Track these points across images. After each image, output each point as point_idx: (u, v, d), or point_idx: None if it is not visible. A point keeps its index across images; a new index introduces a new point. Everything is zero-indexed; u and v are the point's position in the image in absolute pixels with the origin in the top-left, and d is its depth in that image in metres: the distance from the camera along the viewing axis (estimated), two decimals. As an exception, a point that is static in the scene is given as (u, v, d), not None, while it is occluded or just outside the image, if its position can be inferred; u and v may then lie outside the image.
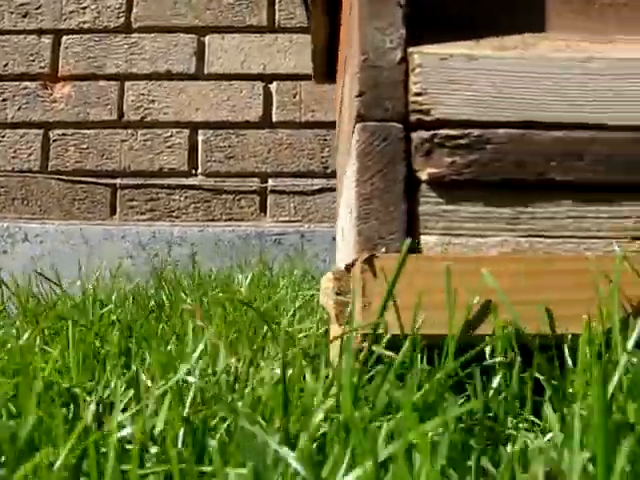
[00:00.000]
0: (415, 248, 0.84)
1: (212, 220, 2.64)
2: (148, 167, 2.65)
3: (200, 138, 2.66)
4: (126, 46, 2.69)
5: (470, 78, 0.86)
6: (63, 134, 2.65)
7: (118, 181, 2.64)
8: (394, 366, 0.61)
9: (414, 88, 0.86)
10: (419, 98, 0.85)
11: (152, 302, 1.24)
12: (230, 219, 2.64)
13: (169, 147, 2.66)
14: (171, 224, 2.63)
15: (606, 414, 0.40)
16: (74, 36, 2.68)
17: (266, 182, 2.64)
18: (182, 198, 2.65)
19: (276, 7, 2.70)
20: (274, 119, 2.65)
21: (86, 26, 2.69)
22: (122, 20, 2.69)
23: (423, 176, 0.84)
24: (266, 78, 2.68)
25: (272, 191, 2.63)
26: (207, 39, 2.70)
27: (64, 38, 2.68)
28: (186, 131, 2.66)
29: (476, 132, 0.85)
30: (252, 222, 2.63)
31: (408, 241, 0.78)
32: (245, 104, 2.67)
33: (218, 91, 2.68)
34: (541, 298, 0.77)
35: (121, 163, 2.65)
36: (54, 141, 2.65)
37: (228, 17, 2.72)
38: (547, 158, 0.85)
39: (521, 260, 0.81)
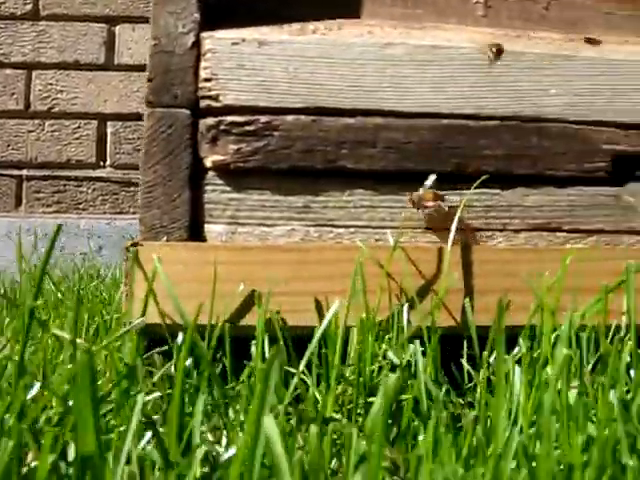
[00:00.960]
0: (200, 237, 0.82)
1: (120, 213, 2.60)
2: (55, 158, 2.60)
3: (109, 130, 2.61)
4: (34, 34, 2.64)
5: (261, 63, 0.84)
6: (-34, 124, 2.59)
7: (24, 172, 2.59)
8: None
9: (204, 74, 0.84)
10: (208, 84, 0.83)
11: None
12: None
13: (77, 138, 2.61)
14: (78, 217, 2.58)
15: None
16: (-22, 23, 2.62)
17: (175, 174, 2.61)
18: (90, 190, 2.60)
19: (188, -3, 2.66)
20: (184, 110, 2.62)
21: (-9, 13, 2.63)
22: (29, 7, 2.64)
23: (208, 163, 0.82)
24: (177, 69, 2.64)
25: (181, 183, 2.60)
26: (117, 29, 2.66)
27: (-33, 25, 2.62)
28: (94, 122, 2.61)
29: (263, 119, 0.83)
30: (161, 215, 2.59)
31: (183, 230, 0.76)
32: (155, 95, 2.63)
33: (128, 82, 2.64)
34: (311, 288, 0.76)
35: (27, 154, 2.60)
36: (-43, 131, 2.59)
37: (139, 7, 2.67)
38: (338, 145, 0.84)
39: (293, 249, 0.79)
